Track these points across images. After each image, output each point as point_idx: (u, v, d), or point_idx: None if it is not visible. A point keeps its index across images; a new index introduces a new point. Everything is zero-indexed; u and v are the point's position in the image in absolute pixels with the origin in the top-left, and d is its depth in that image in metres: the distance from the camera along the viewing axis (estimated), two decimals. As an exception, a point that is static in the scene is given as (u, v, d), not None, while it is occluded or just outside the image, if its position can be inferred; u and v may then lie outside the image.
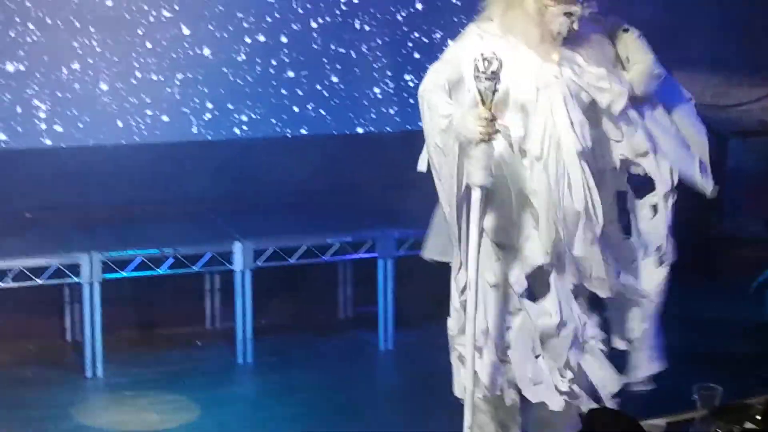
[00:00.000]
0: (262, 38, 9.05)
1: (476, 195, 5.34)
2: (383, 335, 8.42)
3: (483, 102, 5.18)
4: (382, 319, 8.40)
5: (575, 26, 5.45)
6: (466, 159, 5.32)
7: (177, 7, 8.77)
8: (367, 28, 9.30)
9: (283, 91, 9.18)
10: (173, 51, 8.84)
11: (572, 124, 5.39)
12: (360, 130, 9.40)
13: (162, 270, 7.95)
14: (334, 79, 9.27)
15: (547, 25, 5.45)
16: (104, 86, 8.73)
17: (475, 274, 5.40)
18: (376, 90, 9.40)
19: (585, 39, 5.59)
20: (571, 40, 5.52)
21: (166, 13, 8.77)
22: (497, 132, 5.25)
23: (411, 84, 9.31)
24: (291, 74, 9.19)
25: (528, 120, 5.43)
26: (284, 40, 9.10)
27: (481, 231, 5.41)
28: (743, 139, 11.01)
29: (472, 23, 5.63)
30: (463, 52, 5.48)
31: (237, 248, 8.02)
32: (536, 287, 5.66)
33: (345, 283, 9.05)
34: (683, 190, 9.92)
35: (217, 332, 8.75)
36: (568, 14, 5.42)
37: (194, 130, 8.99)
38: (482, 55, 5.17)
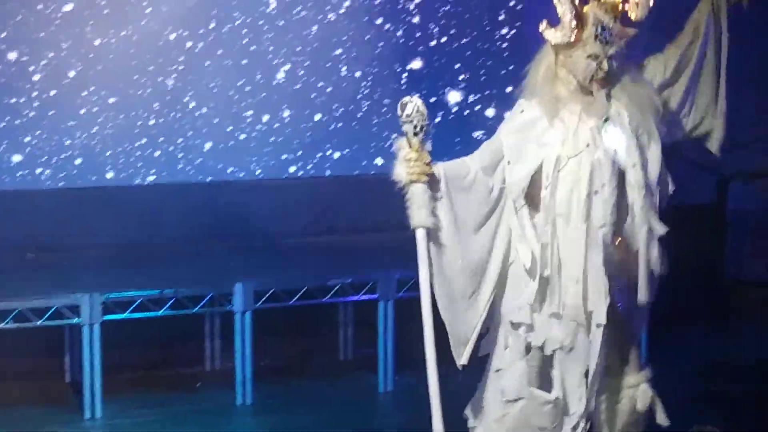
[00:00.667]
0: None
1: (419, 236, 5.37)
2: (383, 377, 8.40)
3: (409, 144, 5.27)
4: (382, 360, 8.39)
5: (604, 67, 5.39)
6: (407, 203, 5.39)
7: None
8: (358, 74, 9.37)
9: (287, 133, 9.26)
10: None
11: (595, 192, 5.43)
12: (358, 172, 9.44)
13: (162, 311, 7.95)
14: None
15: (576, 75, 5.46)
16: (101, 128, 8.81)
17: (430, 320, 5.40)
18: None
19: (630, 80, 5.53)
20: (617, 84, 5.49)
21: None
22: (428, 173, 5.28)
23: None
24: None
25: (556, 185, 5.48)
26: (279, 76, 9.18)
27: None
28: (744, 181, 11.01)
29: (521, 98, 5.62)
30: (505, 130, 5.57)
31: (237, 289, 8.01)
32: None
33: (345, 325, 9.05)
34: (688, 236, 10.10)
35: (216, 373, 8.74)
36: (593, 56, 5.41)
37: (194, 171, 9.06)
38: (401, 100, 5.27)
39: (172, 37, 8.86)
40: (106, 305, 7.79)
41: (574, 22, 5.37)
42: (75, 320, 7.77)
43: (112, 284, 7.98)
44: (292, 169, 9.34)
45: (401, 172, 5.30)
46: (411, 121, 5.28)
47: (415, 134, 5.28)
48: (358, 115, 9.43)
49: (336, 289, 8.29)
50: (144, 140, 8.91)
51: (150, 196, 8.85)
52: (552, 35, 5.42)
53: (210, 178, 9.09)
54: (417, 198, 5.31)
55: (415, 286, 8.11)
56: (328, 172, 9.40)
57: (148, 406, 8.06)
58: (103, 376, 7.82)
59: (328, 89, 9.30)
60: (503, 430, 5.60)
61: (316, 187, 9.32)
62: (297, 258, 8.79)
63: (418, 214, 5.33)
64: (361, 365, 8.81)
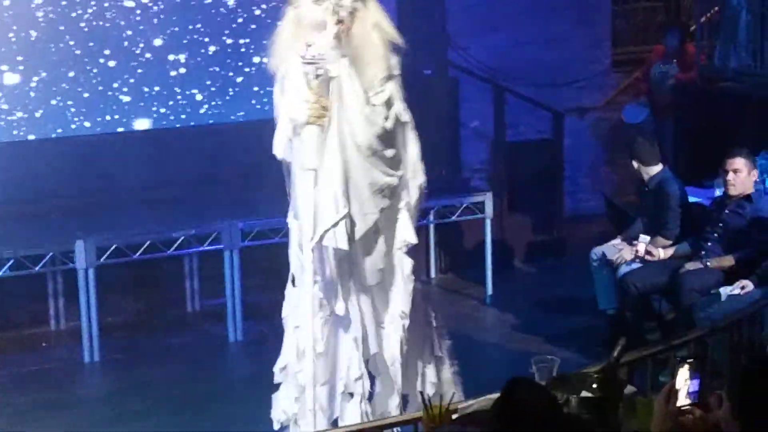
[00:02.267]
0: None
1: (309, 178, 5.40)
2: (232, 327, 8.40)
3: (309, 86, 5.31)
4: (230, 310, 8.38)
5: None
6: (297, 140, 5.39)
7: None
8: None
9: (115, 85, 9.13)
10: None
11: None
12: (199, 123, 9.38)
13: (1, 272, 7.80)
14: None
15: None
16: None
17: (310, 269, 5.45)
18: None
19: None
20: None
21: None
22: (322, 116, 5.31)
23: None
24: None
25: None
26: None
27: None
28: (580, 117, 11.26)
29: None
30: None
31: (79, 247, 7.91)
32: None
33: (191, 277, 8.99)
34: (533, 170, 10.31)
35: (62, 333, 8.64)
36: None
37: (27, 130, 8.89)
38: (307, 41, 5.26)
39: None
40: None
41: None
42: None
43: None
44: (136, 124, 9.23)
45: (299, 111, 5.31)
46: (314, 63, 5.27)
47: (316, 77, 5.29)
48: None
49: (180, 241, 8.24)
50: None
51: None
52: None
53: (47, 135, 8.91)
54: (312, 140, 5.33)
55: (259, 235, 8.21)
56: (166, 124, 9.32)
57: (-6, 369, 7.95)
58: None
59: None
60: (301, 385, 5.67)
61: (157, 139, 9.23)
62: (138, 212, 8.69)
63: (310, 157, 5.35)
64: (210, 316, 8.80)
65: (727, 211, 7.59)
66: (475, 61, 10.67)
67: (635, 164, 8.04)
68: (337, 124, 5.33)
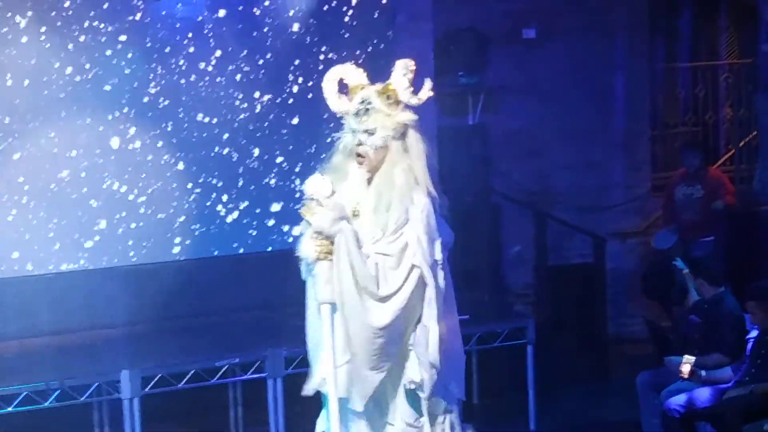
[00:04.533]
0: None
1: (324, 311, 5.44)
2: (276, 455, 8.38)
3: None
4: (274, 439, 8.37)
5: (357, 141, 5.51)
6: (311, 279, 5.46)
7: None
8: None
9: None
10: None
11: None
12: (241, 251, 9.47)
13: (48, 403, 7.83)
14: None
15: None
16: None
17: (335, 401, 5.45)
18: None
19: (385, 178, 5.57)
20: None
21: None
22: (332, 252, 5.35)
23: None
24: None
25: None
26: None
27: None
28: (622, 241, 11.29)
29: None
30: None
31: (124, 376, 7.94)
32: None
33: (235, 405, 9.01)
34: (568, 293, 10.30)
35: (108, 462, 8.66)
36: (350, 130, 5.57)
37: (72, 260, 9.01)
38: (307, 180, 5.39)
39: None
40: (-10, 400, 7.64)
41: (334, 96, 5.54)
42: (-41, 418, 7.62)
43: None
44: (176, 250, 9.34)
45: (308, 248, 5.39)
46: (315, 199, 5.37)
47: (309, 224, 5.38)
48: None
49: (224, 369, 8.26)
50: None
51: (27, 288, 8.79)
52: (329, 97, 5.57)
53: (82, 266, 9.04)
54: (323, 275, 5.39)
55: (303, 362, 8.20)
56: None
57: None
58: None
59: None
60: None
61: (197, 268, 9.33)
62: (182, 341, 8.75)
63: (323, 291, 5.40)
64: (254, 444, 8.80)
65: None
66: (517, 186, 10.76)
67: (697, 281, 8.06)
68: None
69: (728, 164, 11.91)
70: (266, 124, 9.48)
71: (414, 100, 5.52)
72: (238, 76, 9.39)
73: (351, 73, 5.61)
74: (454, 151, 9.66)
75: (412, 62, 5.53)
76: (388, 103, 5.49)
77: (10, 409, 7.69)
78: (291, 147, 9.53)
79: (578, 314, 10.36)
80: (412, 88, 5.52)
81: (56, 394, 7.81)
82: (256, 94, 9.45)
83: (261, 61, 9.46)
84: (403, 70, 5.51)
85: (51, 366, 8.18)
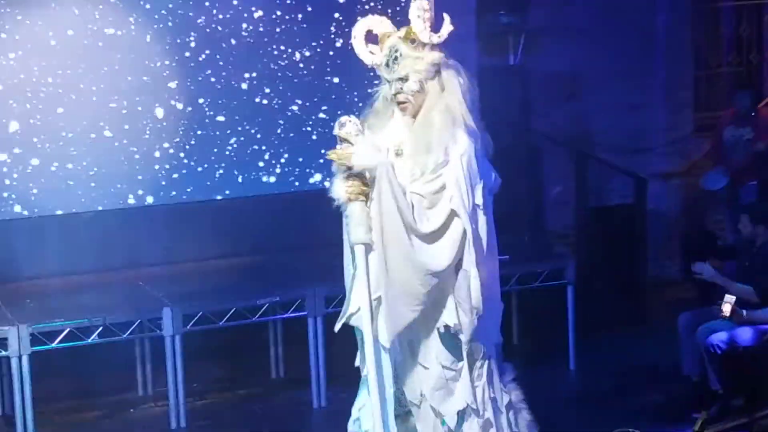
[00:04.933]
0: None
1: (359, 252, 5.47)
2: (316, 393, 8.45)
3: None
4: (314, 377, 8.44)
5: (394, 90, 5.54)
6: (346, 219, 5.49)
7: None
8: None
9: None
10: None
11: None
12: (281, 191, 9.51)
13: (91, 339, 7.93)
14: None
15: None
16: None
17: (370, 336, 5.48)
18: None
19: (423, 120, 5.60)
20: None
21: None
22: (364, 192, 5.40)
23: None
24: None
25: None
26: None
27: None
28: (664, 182, 11.23)
29: None
30: None
31: (166, 314, 8.02)
32: None
33: (276, 344, 9.09)
34: (608, 235, 10.29)
35: (149, 398, 8.76)
36: (384, 80, 5.61)
37: (114, 199, 9.08)
38: (339, 119, 5.44)
39: None
40: (34, 336, 7.74)
41: (364, 50, 5.59)
42: (3, 353, 7.72)
43: (39, 315, 7.94)
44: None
45: (340, 190, 5.41)
46: (345, 140, 5.38)
47: (348, 170, 5.41)
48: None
49: (265, 308, 8.33)
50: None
51: (71, 225, 8.88)
52: (359, 52, 5.61)
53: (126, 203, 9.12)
54: (356, 216, 5.41)
55: (344, 301, 8.26)
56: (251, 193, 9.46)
57: (83, 436, 8.06)
58: (35, 407, 7.77)
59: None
60: None
61: (240, 207, 9.38)
62: (223, 279, 8.82)
63: (356, 231, 5.42)
64: (294, 383, 8.86)
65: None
66: (557, 127, 10.72)
67: (748, 225, 7.99)
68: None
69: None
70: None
71: (435, 38, 5.50)
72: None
73: (376, 23, 5.62)
74: (494, 92, 9.62)
75: (425, 1, 5.50)
76: (414, 46, 5.49)
77: (53, 345, 7.80)
78: (334, 97, 9.54)
79: (618, 255, 10.33)
80: (429, 28, 5.49)
81: (99, 330, 7.91)
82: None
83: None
84: (417, 11, 5.47)
85: (94, 303, 8.28)
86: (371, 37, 5.64)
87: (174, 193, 9.24)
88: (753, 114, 10.44)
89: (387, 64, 5.53)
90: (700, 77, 11.84)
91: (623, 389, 8.54)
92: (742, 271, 8.05)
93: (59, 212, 8.94)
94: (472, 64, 9.72)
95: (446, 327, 5.53)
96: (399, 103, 5.55)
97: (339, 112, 5.85)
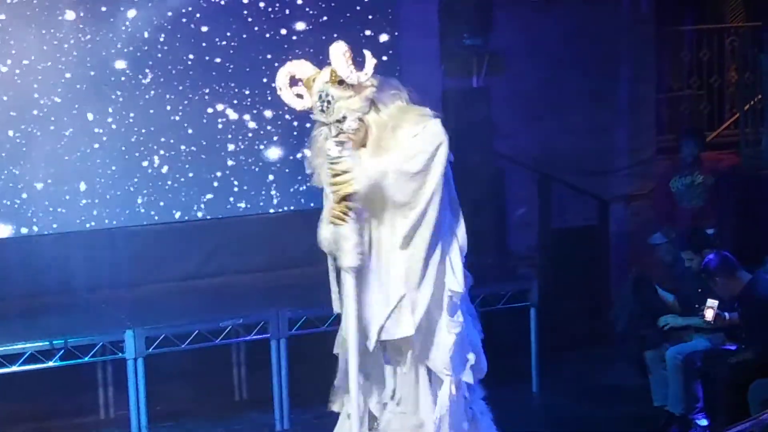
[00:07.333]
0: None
1: (349, 277, 5.44)
2: (279, 415, 8.42)
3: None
4: (277, 399, 8.41)
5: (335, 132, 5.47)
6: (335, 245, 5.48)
7: None
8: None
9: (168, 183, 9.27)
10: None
11: None
12: (245, 213, 9.47)
13: (53, 362, 7.87)
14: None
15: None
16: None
17: (355, 350, 5.47)
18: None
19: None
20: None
21: None
22: (346, 216, 5.36)
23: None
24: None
25: None
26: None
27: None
28: (626, 204, 11.27)
29: None
30: None
31: (128, 336, 7.98)
32: None
33: (239, 365, 9.06)
34: (571, 256, 10.32)
35: (111, 422, 8.70)
36: (321, 124, 5.56)
37: (78, 221, 9.02)
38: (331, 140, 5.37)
39: None
40: (-6, 360, 7.68)
41: (293, 99, 5.54)
42: (-37, 376, 7.65)
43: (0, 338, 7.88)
44: (177, 214, 9.35)
45: (332, 215, 5.39)
46: (337, 163, 5.36)
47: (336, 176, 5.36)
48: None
49: (228, 330, 8.29)
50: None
51: (33, 248, 8.82)
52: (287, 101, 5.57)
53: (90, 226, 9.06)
54: (351, 239, 5.38)
55: (307, 323, 8.25)
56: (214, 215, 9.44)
57: (44, 459, 8.00)
58: (-3, 430, 7.72)
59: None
60: None
61: (201, 230, 9.35)
62: (186, 301, 8.78)
63: (350, 255, 5.40)
64: (257, 405, 8.82)
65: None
66: (521, 149, 10.74)
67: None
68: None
69: (732, 128, 11.88)
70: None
71: (363, 77, 5.41)
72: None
73: (297, 68, 5.55)
74: (458, 114, 9.64)
75: (343, 43, 5.37)
76: (343, 87, 5.41)
77: (14, 368, 7.75)
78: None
79: (581, 277, 10.36)
80: (354, 69, 5.38)
81: (60, 353, 7.86)
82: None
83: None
84: (338, 57, 5.32)
85: (55, 325, 8.22)
86: (294, 81, 5.60)
87: (136, 215, 9.19)
88: (692, 160, 10.20)
89: (322, 110, 5.46)
90: (662, 100, 11.91)
91: (587, 411, 8.55)
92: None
93: (22, 233, 8.88)
94: (437, 86, 9.77)
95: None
96: (340, 143, 5.50)
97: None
